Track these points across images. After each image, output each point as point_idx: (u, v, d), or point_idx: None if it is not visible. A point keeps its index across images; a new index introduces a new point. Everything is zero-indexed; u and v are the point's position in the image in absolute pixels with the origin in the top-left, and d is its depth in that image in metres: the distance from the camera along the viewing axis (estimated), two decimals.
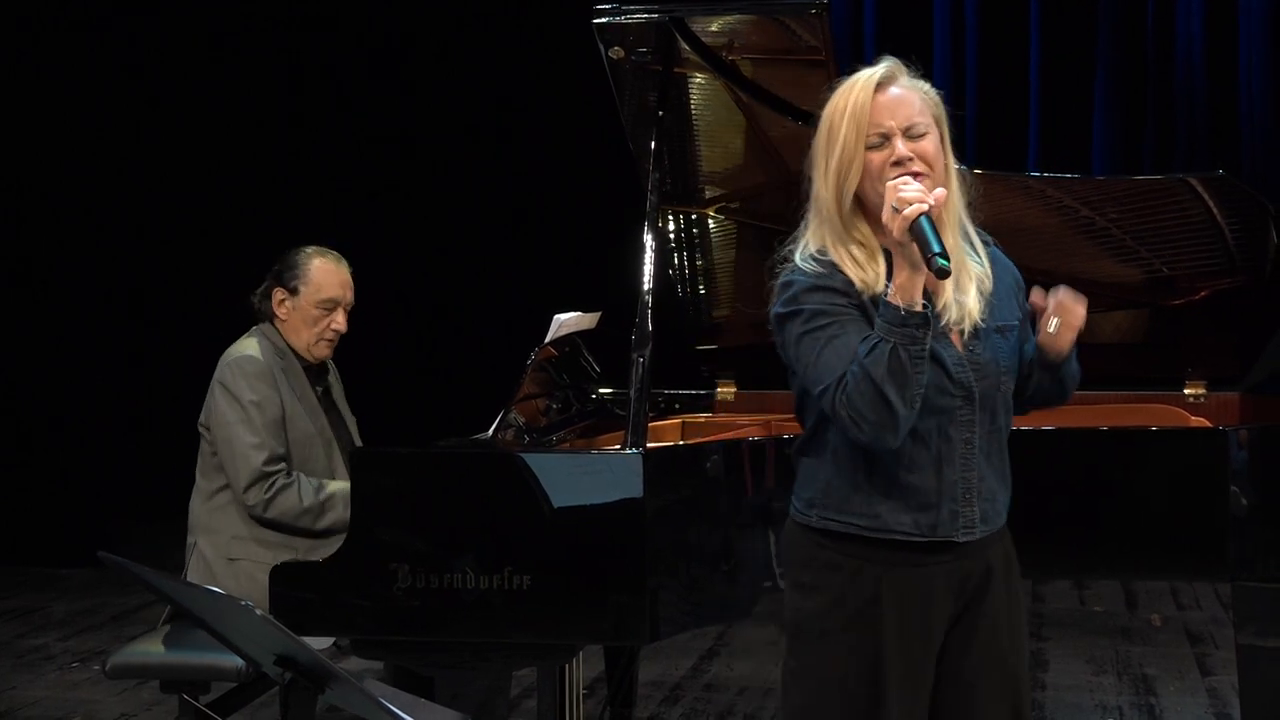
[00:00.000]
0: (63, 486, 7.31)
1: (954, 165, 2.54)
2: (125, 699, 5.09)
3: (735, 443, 3.36)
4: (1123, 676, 5.24)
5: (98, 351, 7.47)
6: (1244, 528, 3.43)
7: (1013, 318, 2.59)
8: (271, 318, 3.90)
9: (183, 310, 7.50)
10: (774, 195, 4.02)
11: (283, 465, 3.76)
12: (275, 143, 7.80)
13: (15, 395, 7.38)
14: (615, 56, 3.61)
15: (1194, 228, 3.72)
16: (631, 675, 4.31)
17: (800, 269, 2.51)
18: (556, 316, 4.06)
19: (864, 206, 2.51)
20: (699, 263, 4.25)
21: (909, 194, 2.36)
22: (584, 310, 4.16)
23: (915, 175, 2.44)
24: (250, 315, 3.96)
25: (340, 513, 3.68)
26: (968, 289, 2.51)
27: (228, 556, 3.77)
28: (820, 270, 2.49)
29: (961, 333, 2.51)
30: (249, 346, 3.85)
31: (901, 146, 2.45)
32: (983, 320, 2.52)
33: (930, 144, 2.47)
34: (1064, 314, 2.55)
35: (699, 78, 3.75)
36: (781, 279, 2.54)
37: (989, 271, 2.56)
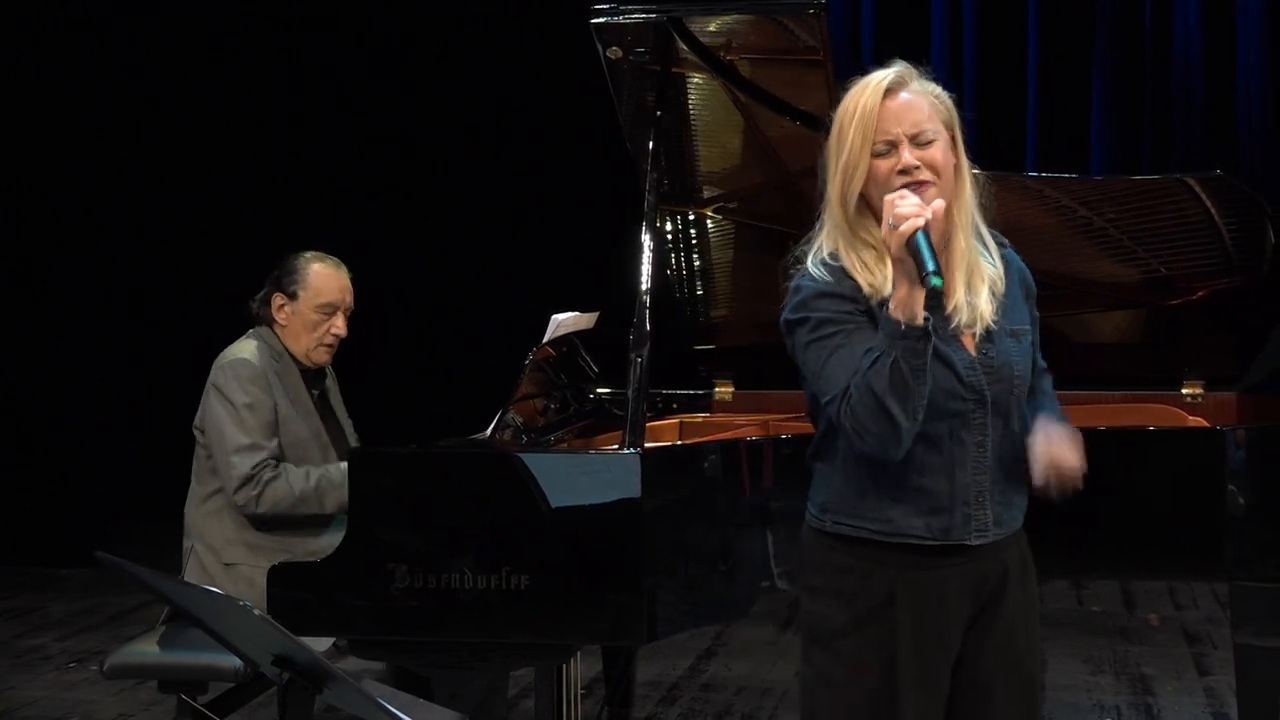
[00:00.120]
0: (62, 487, 7.32)
1: (967, 168, 2.53)
2: (123, 699, 5.09)
3: (733, 443, 3.36)
4: (1120, 676, 5.24)
5: (97, 351, 7.48)
6: (1241, 527, 3.43)
7: (1026, 322, 2.58)
8: (271, 323, 3.90)
9: (182, 310, 7.51)
10: (772, 195, 4.03)
11: (271, 462, 3.74)
12: (275, 143, 7.80)
13: (15, 395, 7.39)
14: (613, 56, 3.61)
15: (1192, 228, 3.72)
16: (629, 675, 4.31)
17: (809, 273, 2.52)
18: (554, 316, 4.06)
19: (873, 209, 2.50)
20: (697, 263, 4.26)
21: (905, 210, 2.34)
22: (582, 310, 4.16)
23: (921, 183, 2.43)
24: (249, 320, 3.95)
25: (341, 496, 3.66)
26: (980, 291, 2.50)
27: (224, 562, 3.76)
28: (829, 276, 2.50)
29: (974, 335, 2.50)
30: (245, 349, 3.85)
31: (908, 155, 2.44)
32: (995, 323, 2.51)
33: (938, 151, 2.46)
34: (1056, 471, 2.50)
35: (697, 78, 3.75)
36: (792, 283, 2.55)
37: (1002, 274, 2.55)
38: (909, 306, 2.35)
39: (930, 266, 2.29)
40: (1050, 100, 7.13)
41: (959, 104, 2.55)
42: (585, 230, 6.99)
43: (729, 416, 4.19)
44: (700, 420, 4.16)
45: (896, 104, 2.46)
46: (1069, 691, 5.01)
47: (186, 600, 2.48)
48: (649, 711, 4.94)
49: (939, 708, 2.54)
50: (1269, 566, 3.43)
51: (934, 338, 2.41)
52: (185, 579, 3.79)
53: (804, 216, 3.84)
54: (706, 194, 4.11)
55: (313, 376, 3.96)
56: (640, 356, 3.22)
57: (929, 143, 2.45)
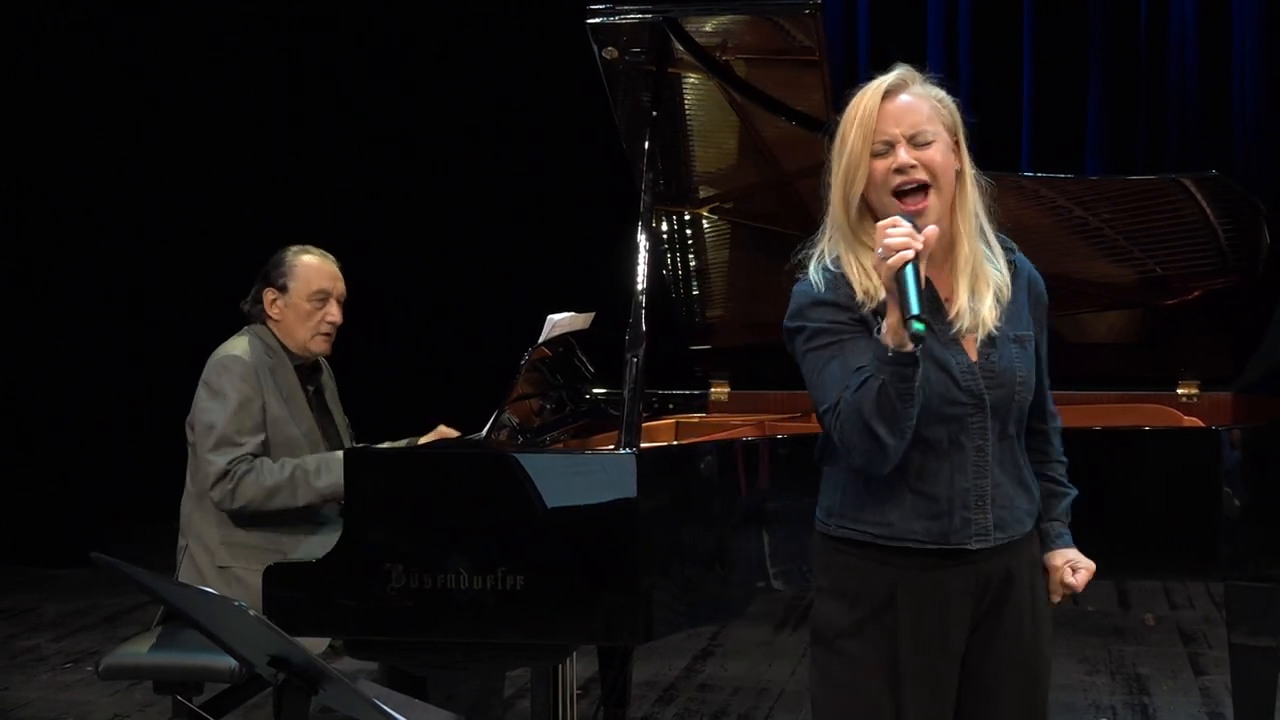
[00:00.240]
0: (62, 486, 7.32)
1: (970, 171, 2.53)
2: (118, 700, 5.08)
3: (729, 443, 3.36)
4: (1116, 676, 5.25)
5: (97, 351, 7.48)
6: (1237, 527, 3.43)
7: (1032, 327, 2.58)
8: (264, 320, 3.89)
9: (182, 310, 7.50)
10: (767, 195, 4.03)
11: (248, 457, 3.70)
12: (275, 143, 7.80)
13: (14, 395, 7.38)
14: (609, 57, 3.61)
15: (1187, 228, 3.73)
16: (625, 675, 4.31)
17: (808, 279, 2.53)
18: (550, 317, 4.05)
19: (874, 212, 2.50)
20: (693, 263, 4.26)
21: (893, 241, 2.34)
22: (578, 310, 4.16)
23: (919, 183, 2.45)
24: (243, 322, 3.94)
25: (316, 484, 3.66)
26: (984, 296, 2.50)
27: (218, 564, 3.74)
28: (826, 283, 2.51)
29: (976, 340, 2.51)
30: (236, 346, 3.83)
31: (904, 154, 2.45)
32: (998, 328, 2.51)
33: (936, 152, 2.46)
34: (1068, 588, 2.65)
35: (693, 78, 3.75)
36: (794, 288, 2.56)
37: (1008, 279, 2.55)
38: (899, 333, 2.34)
39: (913, 309, 2.28)
40: (1045, 100, 7.14)
41: (960, 108, 2.55)
42: (581, 230, 7.00)
43: (725, 417, 4.19)
44: (696, 420, 4.16)
45: (895, 105, 2.47)
46: (1065, 691, 5.02)
47: (182, 601, 2.48)
48: (645, 711, 4.94)
49: (944, 710, 2.55)
50: (1264, 566, 3.44)
51: (936, 341, 2.44)
52: (180, 578, 3.78)
53: (799, 217, 3.86)
54: (702, 194, 4.11)
55: (308, 373, 3.94)
56: (636, 357, 3.22)
57: (927, 144, 2.46)
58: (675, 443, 3.81)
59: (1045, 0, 7.14)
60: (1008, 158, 6.76)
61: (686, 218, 4.19)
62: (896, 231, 2.35)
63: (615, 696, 4.29)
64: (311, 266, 3.89)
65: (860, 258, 2.49)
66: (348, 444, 3.97)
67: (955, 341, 2.50)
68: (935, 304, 2.50)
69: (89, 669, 5.30)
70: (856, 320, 2.47)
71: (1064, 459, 2.71)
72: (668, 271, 4.24)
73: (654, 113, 3.58)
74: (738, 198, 4.10)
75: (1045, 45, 7.14)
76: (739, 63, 3.68)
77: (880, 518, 2.51)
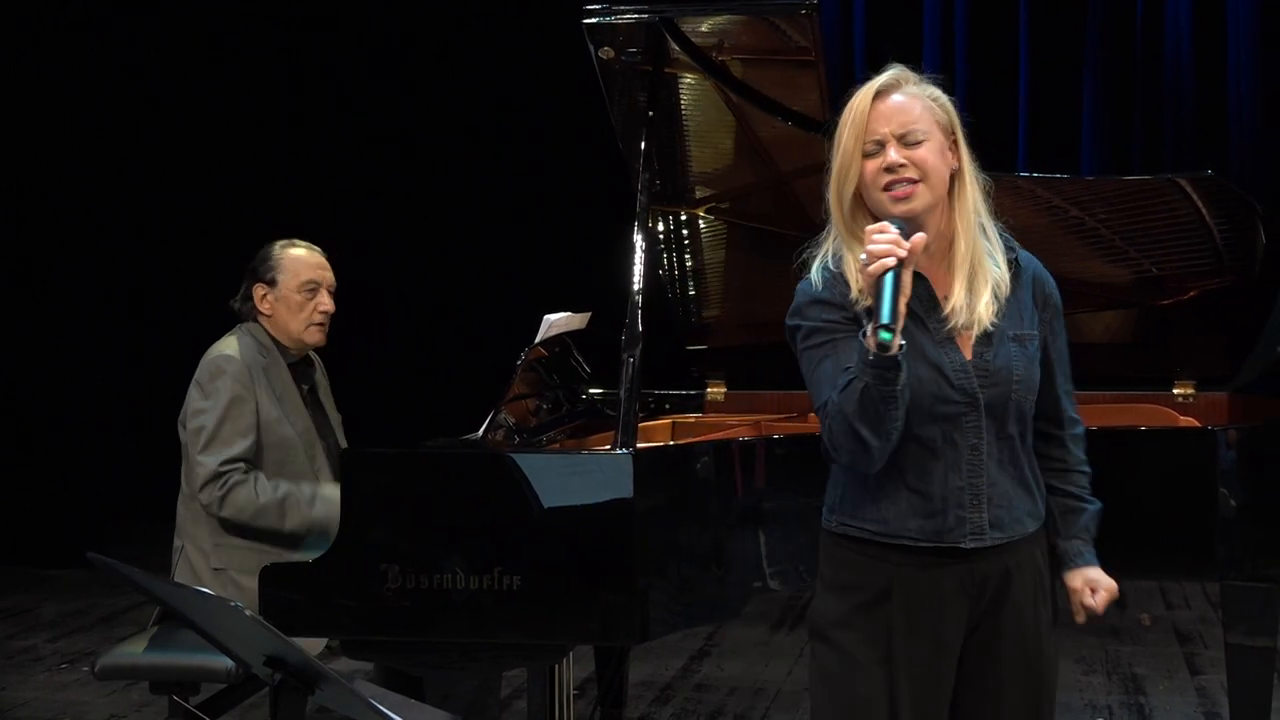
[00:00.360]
0: (61, 486, 7.32)
1: (971, 171, 2.54)
2: (114, 700, 5.08)
3: (725, 443, 3.36)
4: (1112, 676, 5.25)
5: (96, 351, 7.48)
6: (1233, 527, 3.44)
7: (1034, 327, 2.57)
8: (256, 318, 3.88)
9: (181, 310, 7.49)
10: (763, 195, 4.03)
11: (241, 465, 3.69)
12: (275, 143, 7.80)
13: (14, 395, 7.38)
14: (605, 57, 3.61)
15: (1183, 228, 3.73)
16: (622, 675, 4.31)
17: (809, 278, 2.56)
18: (546, 317, 4.05)
19: (869, 211, 2.52)
20: (689, 263, 4.26)
21: (876, 248, 2.36)
22: (574, 310, 4.16)
23: (908, 181, 2.45)
24: (233, 321, 3.93)
25: (308, 514, 3.65)
26: (981, 294, 2.51)
27: (213, 566, 3.73)
28: (824, 282, 2.53)
29: (972, 338, 2.51)
30: (228, 346, 3.81)
31: (893, 153, 2.46)
32: (994, 325, 2.51)
33: (927, 152, 2.47)
34: (1088, 610, 2.65)
35: (689, 78, 3.75)
36: (797, 286, 2.58)
37: (1007, 277, 2.54)
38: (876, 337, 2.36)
39: (884, 318, 2.31)
40: (1041, 100, 7.15)
41: (957, 107, 2.56)
42: (578, 230, 7.01)
43: (721, 417, 4.19)
44: (693, 420, 4.16)
45: (886, 105, 2.49)
46: (1061, 691, 4.96)
47: (178, 601, 2.48)
48: (642, 711, 4.94)
49: (940, 708, 2.55)
50: (1260, 566, 3.44)
51: (929, 340, 2.46)
52: (175, 579, 3.78)
53: (795, 217, 3.87)
54: (698, 194, 4.11)
55: (302, 371, 3.93)
56: (632, 357, 3.22)
57: (917, 143, 2.47)
58: (672, 443, 3.81)
59: (1041, 0, 7.15)
60: (1004, 158, 6.76)
61: (683, 218, 4.19)
62: (882, 238, 2.37)
63: (612, 696, 4.29)
64: (299, 258, 3.88)
65: (857, 255, 2.50)
66: (342, 443, 3.96)
67: (950, 340, 2.50)
68: (931, 302, 2.51)
69: (85, 669, 5.30)
70: (851, 319, 2.48)
71: (1085, 468, 2.67)
72: (664, 271, 4.24)
73: (650, 113, 3.58)
74: (734, 198, 4.10)
75: (1041, 45, 7.14)
76: (735, 63, 3.68)
77: (877, 514, 2.52)
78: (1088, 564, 2.63)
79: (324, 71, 7.89)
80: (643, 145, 3.52)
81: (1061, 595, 2.65)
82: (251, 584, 3.29)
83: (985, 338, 2.51)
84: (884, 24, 7.23)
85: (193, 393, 3.78)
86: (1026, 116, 7.16)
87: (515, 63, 7.57)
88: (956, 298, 2.50)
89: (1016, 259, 2.59)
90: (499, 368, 3.88)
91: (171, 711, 3.70)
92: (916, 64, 2.59)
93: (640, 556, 2.99)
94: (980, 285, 2.51)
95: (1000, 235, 2.58)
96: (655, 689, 5.20)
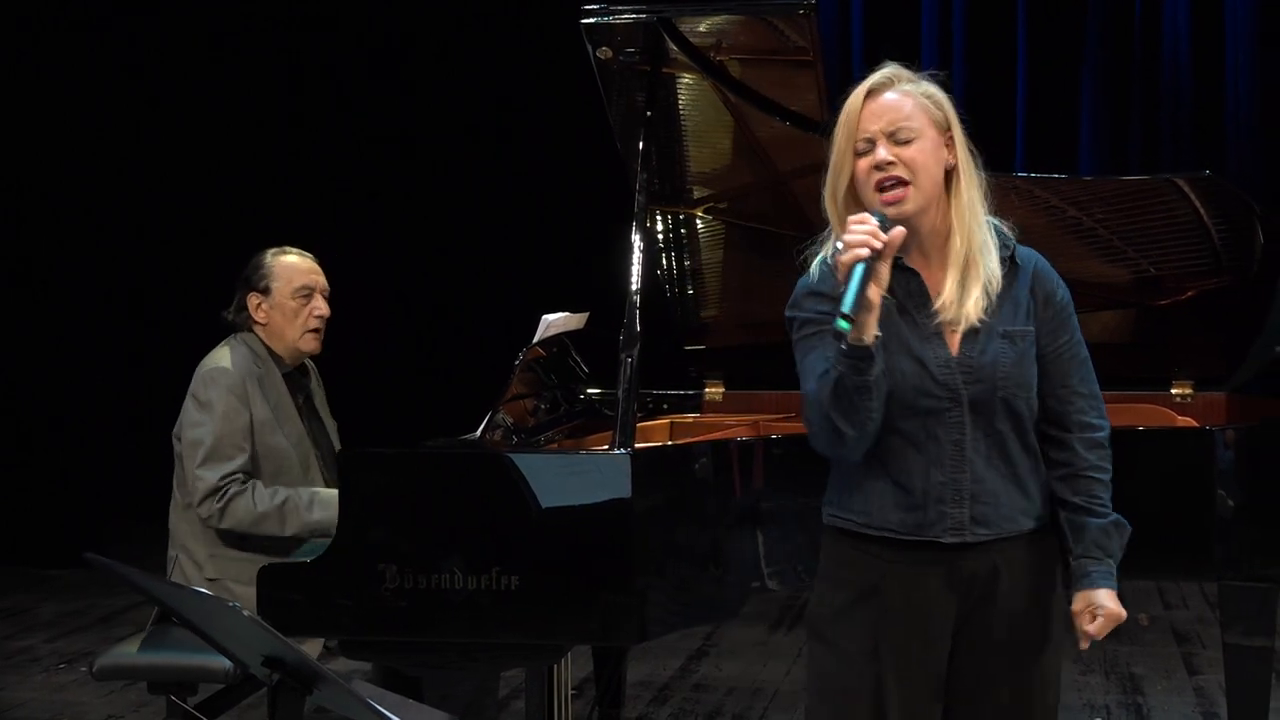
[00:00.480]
0: (61, 487, 7.31)
1: (969, 168, 2.53)
2: (112, 700, 5.08)
3: (723, 443, 3.36)
4: (1110, 675, 5.25)
5: (96, 352, 7.47)
6: (1230, 527, 3.44)
7: (1027, 324, 2.54)
8: (250, 328, 3.86)
9: (181, 311, 7.49)
10: (761, 195, 4.03)
11: (239, 476, 3.68)
12: (275, 143, 7.80)
13: (14, 395, 7.37)
14: (603, 57, 3.61)
15: (1181, 228, 3.73)
16: (620, 675, 4.31)
17: (810, 272, 2.58)
18: (544, 317, 4.05)
19: (862, 208, 2.52)
20: (687, 263, 4.26)
21: (851, 238, 2.38)
22: (572, 310, 4.16)
23: (898, 180, 2.46)
24: (227, 332, 3.90)
25: (307, 518, 3.64)
26: (972, 289, 2.50)
27: (207, 577, 3.71)
28: (821, 274, 2.55)
29: (958, 333, 2.51)
30: (221, 357, 3.79)
31: (882, 151, 2.47)
32: (983, 322, 2.50)
33: (917, 150, 2.47)
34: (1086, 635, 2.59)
35: (687, 78, 3.75)
36: (799, 280, 2.61)
37: (998, 272, 2.53)
38: (858, 327, 2.37)
39: (845, 307, 2.32)
40: (1039, 100, 7.15)
41: (955, 103, 2.56)
42: (576, 230, 7.00)
43: (719, 417, 4.19)
44: (690, 420, 4.16)
45: (877, 104, 2.50)
46: None
47: (176, 601, 2.48)
48: (640, 712, 4.94)
49: (929, 703, 2.55)
50: (1258, 566, 3.44)
51: (914, 334, 2.48)
52: None
53: (793, 217, 3.86)
54: (696, 194, 4.11)
55: (296, 380, 3.92)
56: (630, 357, 3.22)
57: (907, 141, 2.48)
58: (670, 443, 3.81)
59: (1039, 0, 7.15)
60: (1002, 158, 6.75)
61: (681, 218, 4.19)
62: (859, 229, 2.39)
63: (610, 697, 4.29)
64: (291, 265, 3.86)
65: None
66: (338, 448, 3.95)
67: (938, 335, 2.51)
68: (922, 296, 2.52)
69: (83, 669, 5.29)
70: None
71: (1097, 474, 2.57)
72: (662, 271, 4.24)
73: (648, 113, 3.58)
74: (732, 198, 4.10)
75: (1039, 45, 7.15)
76: (733, 63, 3.68)
77: (863, 506, 2.55)
78: (1093, 585, 2.54)
79: (324, 71, 7.89)
80: (641, 145, 3.52)
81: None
82: (247, 593, 3.28)
83: (973, 333, 2.51)
84: (882, 24, 7.23)
85: (188, 405, 3.76)
86: (1024, 116, 7.16)
87: (514, 63, 7.57)
88: (947, 293, 2.50)
89: (1013, 255, 2.58)
90: (497, 368, 3.88)
91: (169, 712, 3.70)
92: (915, 64, 2.59)
93: (638, 557, 2.99)
94: (971, 280, 2.51)
95: (998, 232, 2.58)
96: (653, 689, 5.20)
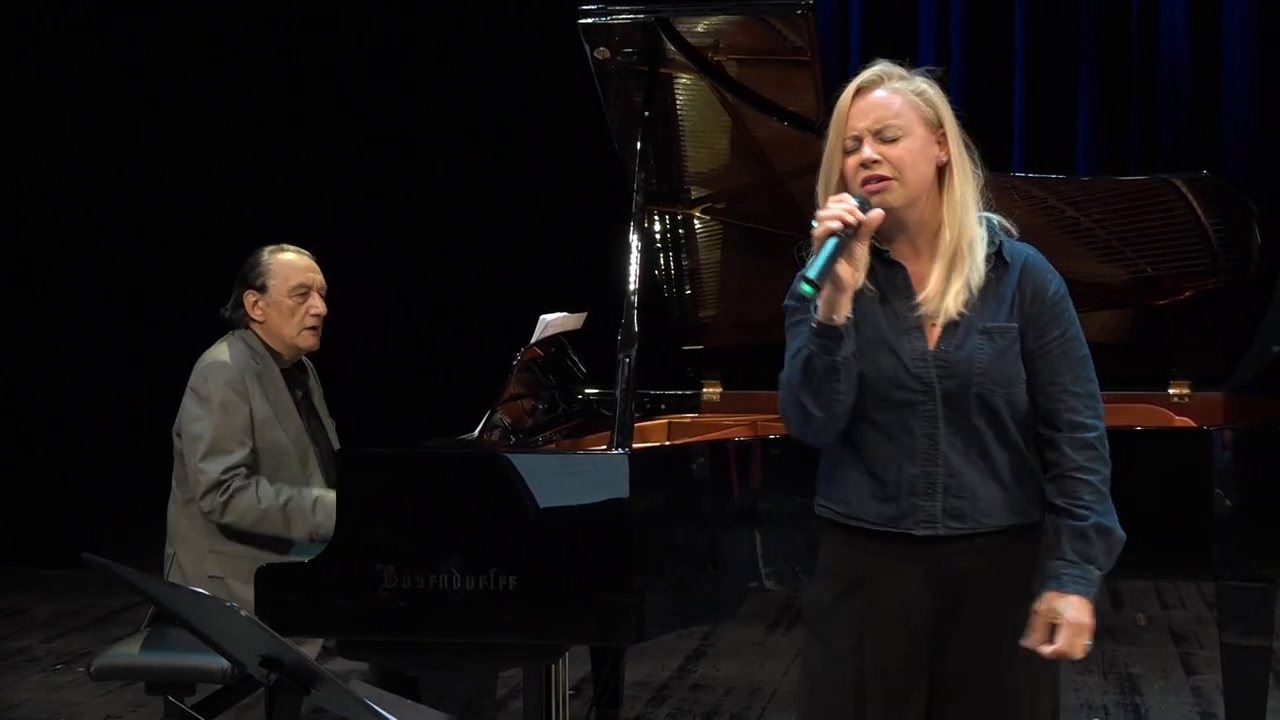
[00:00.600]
0: (60, 486, 7.31)
1: (962, 164, 2.53)
2: (110, 701, 5.08)
3: (721, 443, 3.36)
4: (1108, 675, 5.25)
5: (96, 352, 7.47)
6: (1228, 527, 3.44)
7: (1009, 321, 2.52)
8: (247, 325, 3.86)
9: (181, 311, 7.48)
10: (759, 196, 4.03)
11: (242, 470, 3.67)
12: (275, 143, 7.80)
13: (13, 395, 7.37)
14: (601, 57, 3.61)
15: (1178, 228, 3.73)
16: (618, 675, 4.31)
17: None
18: (542, 317, 4.05)
19: None
20: (685, 263, 4.26)
21: (825, 212, 2.40)
22: (570, 310, 4.16)
23: (882, 179, 2.46)
24: (224, 329, 3.90)
25: (311, 520, 3.65)
26: (954, 284, 2.50)
27: (207, 574, 3.71)
28: None
29: (938, 327, 2.51)
30: (220, 352, 3.78)
31: (867, 149, 2.48)
32: (962, 316, 2.50)
33: (904, 148, 2.47)
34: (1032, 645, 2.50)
35: (684, 78, 3.75)
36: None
37: (982, 267, 2.51)
38: (829, 306, 2.40)
39: (810, 273, 2.35)
40: (1037, 99, 7.16)
41: (950, 100, 2.55)
42: (574, 230, 7.00)
43: (717, 417, 4.19)
44: (688, 420, 4.16)
45: (865, 101, 2.51)
46: None
47: (174, 601, 2.48)
48: (638, 712, 4.94)
49: (911, 699, 2.55)
50: (1256, 566, 3.44)
51: (892, 327, 2.49)
52: None
53: (791, 217, 3.86)
54: (694, 194, 4.11)
55: (295, 376, 3.92)
56: (628, 357, 3.22)
57: (894, 140, 2.48)
58: (668, 443, 3.81)
59: (1037, 0, 7.16)
60: (999, 158, 6.75)
61: (679, 218, 4.19)
62: (835, 205, 2.40)
63: (607, 697, 4.29)
64: (289, 262, 3.86)
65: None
66: (335, 446, 3.95)
67: (917, 328, 2.51)
68: (906, 290, 2.53)
69: (81, 670, 5.30)
70: None
71: (1085, 475, 2.50)
72: (660, 272, 4.24)
73: (646, 113, 3.57)
74: (730, 198, 4.10)
75: (1037, 45, 7.15)
76: (731, 63, 3.68)
77: (843, 496, 2.58)
78: (1061, 589, 2.46)
79: (324, 71, 7.90)
80: (639, 145, 3.52)
81: None
82: (245, 591, 3.28)
83: (952, 328, 2.50)
84: (880, 24, 7.24)
85: (187, 401, 3.76)
86: (1022, 116, 7.17)
87: (514, 63, 7.57)
88: (932, 285, 2.51)
89: (999, 251, 2.55)
90: (496, 367, 3.88)
91: (167, 712, 3.70)
92: (912, 64, 2.58)
93: (636, 557, 2.99)
94: (955, 275, 2.51)
95: (990, 228, 2.56)
96: (651, 689, 5.20)
